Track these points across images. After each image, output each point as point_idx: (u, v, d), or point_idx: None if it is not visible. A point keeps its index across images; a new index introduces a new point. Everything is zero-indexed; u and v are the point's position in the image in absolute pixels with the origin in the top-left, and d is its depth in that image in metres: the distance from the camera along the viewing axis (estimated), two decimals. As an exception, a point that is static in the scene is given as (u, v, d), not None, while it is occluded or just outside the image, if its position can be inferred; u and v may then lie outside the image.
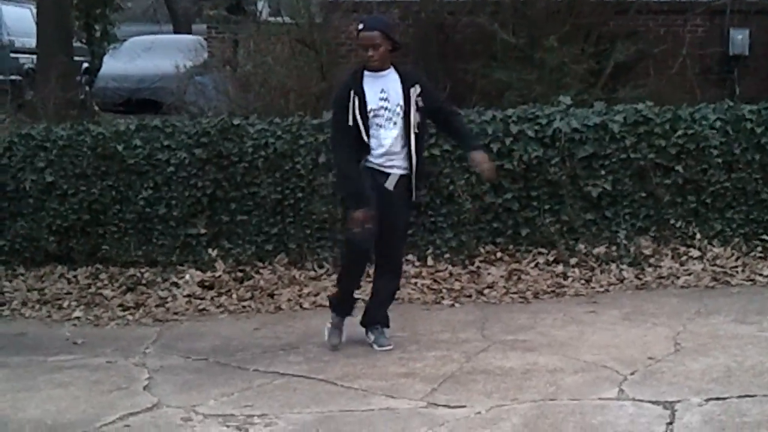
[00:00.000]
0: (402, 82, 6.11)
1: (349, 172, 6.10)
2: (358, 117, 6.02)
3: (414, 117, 6.08)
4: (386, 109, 6.06)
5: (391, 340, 6.32)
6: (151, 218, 8.35)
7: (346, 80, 6.26)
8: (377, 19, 6.57)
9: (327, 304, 6.67)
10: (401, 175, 6.13)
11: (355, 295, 6.44)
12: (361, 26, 6.13)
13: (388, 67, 6.13)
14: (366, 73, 6.11)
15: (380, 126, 6.07)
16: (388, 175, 6.11)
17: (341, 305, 6.40)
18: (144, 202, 8.34)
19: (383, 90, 6.07)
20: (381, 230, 6.01)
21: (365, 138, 6.04)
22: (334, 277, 7.80)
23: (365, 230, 5.93)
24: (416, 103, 6.09)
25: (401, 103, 6.07)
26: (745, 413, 4.84)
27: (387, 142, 6.07)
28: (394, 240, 6.22)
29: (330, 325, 6.43)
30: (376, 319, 6.39)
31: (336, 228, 8.04)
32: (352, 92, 6.05)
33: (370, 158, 6.10)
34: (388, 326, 6.42)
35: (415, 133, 6.10)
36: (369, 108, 6.04)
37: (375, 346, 6.26)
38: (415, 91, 6.09)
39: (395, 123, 6.08)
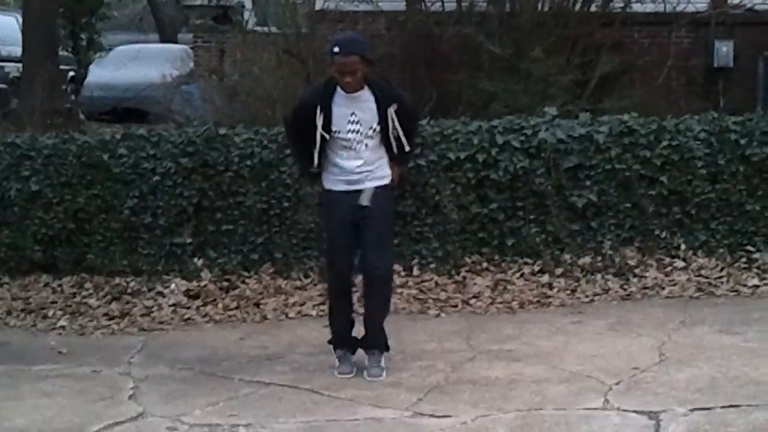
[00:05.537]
0: (377, 101, 5.78)
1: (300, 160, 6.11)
2: (317, 137, 5.73)
3: (393, 135, 5.82)
4: (357, 132, 5.77)
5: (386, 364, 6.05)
6: (137, 227, 8.32)
7: (315, 90, 5.93)
8: (354, 41, 5.89)
9: (313, 314, 6.56)
10: (377, 186, 5.87)
11: (350, 324, 6.18)
12: (336, 49, 5.65)
13: (362, 87, 5.78)
14: (338, 90, 5.76)
15: (349, 148, 5.80)
16: (359, 192, 5.84)
17: (336, 338, 6.17)
18: (129, 211, 8.31)
19: (354, 113, 5.76)
20: (364, 245, 5.84)
21: (316, 159, 5.79)
22: (320, 286, 7.83)
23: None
24: (392, 120, 5.78)
25: (375, 126, 5.79)
26: (730, 423, 4.86)
27: (354, 164, 5.81)
28: (378, 250, 5.87)
29: (337, 360, 6.13)
30: (372, 342, 6.06)
31: (322, 237, 8.04)
32: (318, 108, 5.72)
33: (336, 177, 5.86)
34: (387, 349, 6.08)
35: (396, 146, 5.87)
36: (333, 130, 5.75)
37: (366, 375, 5.94)
38: (392, 110, 5.79)
39: (367, 145, 5.81)
